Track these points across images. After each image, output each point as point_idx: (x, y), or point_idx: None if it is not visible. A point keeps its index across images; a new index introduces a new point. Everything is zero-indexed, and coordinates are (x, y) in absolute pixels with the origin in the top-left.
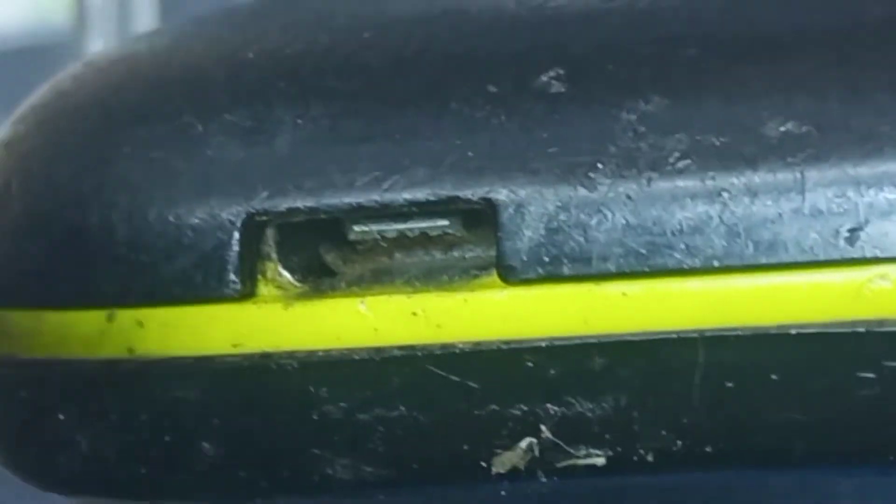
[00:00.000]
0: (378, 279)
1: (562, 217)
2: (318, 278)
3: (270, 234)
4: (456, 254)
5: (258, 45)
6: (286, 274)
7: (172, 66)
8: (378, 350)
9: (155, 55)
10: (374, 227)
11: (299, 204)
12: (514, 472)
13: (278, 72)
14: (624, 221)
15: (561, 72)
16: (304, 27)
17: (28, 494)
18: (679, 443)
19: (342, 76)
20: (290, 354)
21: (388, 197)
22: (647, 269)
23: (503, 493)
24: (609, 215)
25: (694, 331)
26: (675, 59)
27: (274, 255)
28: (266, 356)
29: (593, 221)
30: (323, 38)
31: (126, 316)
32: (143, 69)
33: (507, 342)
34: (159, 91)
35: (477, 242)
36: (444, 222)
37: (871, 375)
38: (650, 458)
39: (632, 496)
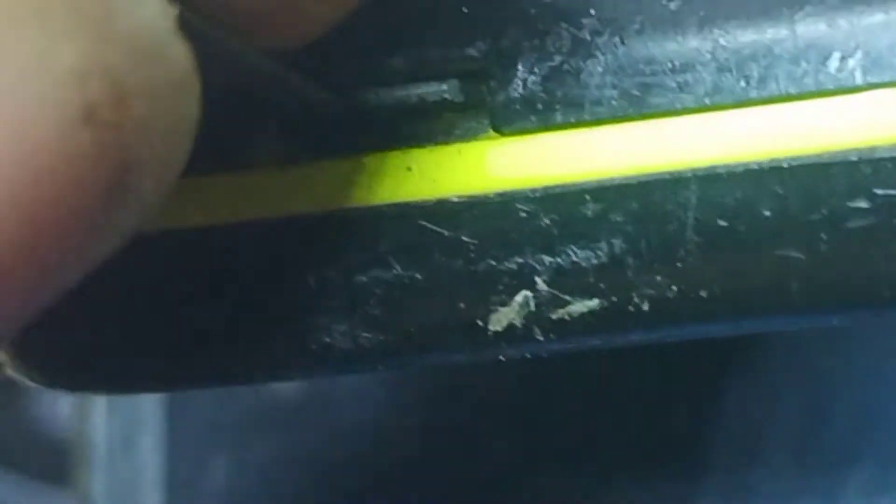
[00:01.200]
0: (374, 143)
1: (553, 64)
2: (317, 147)
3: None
4: (456, 119)
5: None
6: (285, 142)
7: None
8: (372, 208)
9: None
10: (373, 95)
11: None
12: (510, 331)
13: None
14: (616, 64)
15: None
16: None
17: (29, 490)
18: (674, 288)
19: None
20: (287, 217)
21: (383, 59)
22: (639, 111)
23: (501, 357)
24: (601, 59)
25: (687, 170)
26: None
27: (272, 123)
28: (262, 221)
29: (585, 66)
30: None
31: None
32: None
33: (501, 194)
34: None
35: (477, 108)
36: (442, 86)
37: (863, 205)
38: (646, 306)
39: None
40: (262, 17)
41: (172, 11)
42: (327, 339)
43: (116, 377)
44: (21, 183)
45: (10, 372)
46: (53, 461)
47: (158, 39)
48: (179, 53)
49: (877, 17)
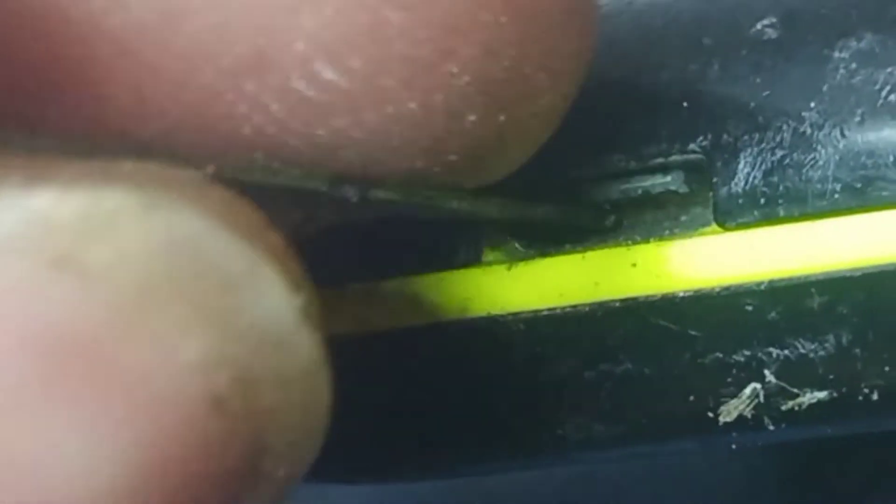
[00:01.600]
0: (601, 238)
1: (776, 158)
2: (544, 244)
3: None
4: (679, 211)
5: None
6: (512, 241)
7: None
8: (600, 304)
9: None
10: (598, 189)
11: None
12: (741, 421)
13: None
14: (838, 158)
15: (774, 20)
16: None
17: None
18: None
19: None
20: (516, 315)
21: (608, 154)
22: (861, 204)
23: (733, 446)
24: (822, 152)
25: None
26: None
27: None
28: (493, 318)
29: (806, 160)
30: None
31: (357, 290)
32: None
33: (726, 288)
34: None
35: (700, 200)
36: (666, 179)
37: None
38: (875, 396)
39: None
40: (452, 177)
41: (297, 301)
42: (560, 432)
43: (377, 470)
44: (154, 469)
45: None
46: None
47: (284, 330)
48: (306, 341)
49: None
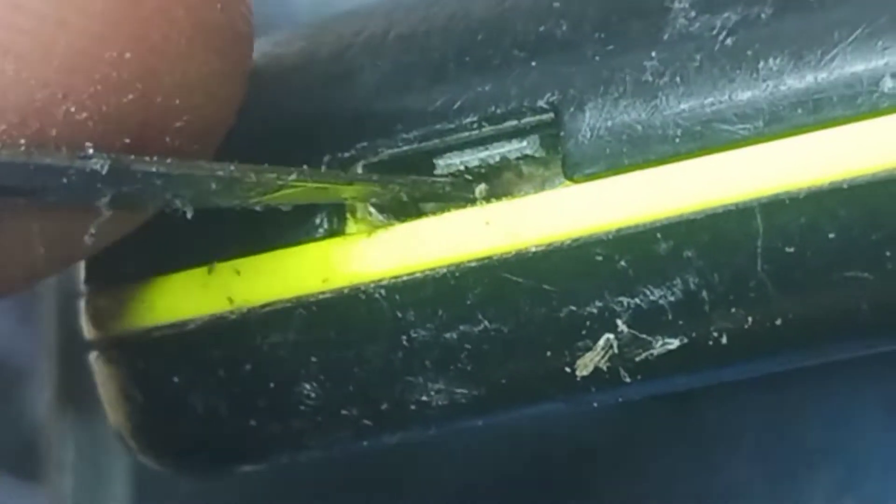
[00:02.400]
0: (459, 205)
1: (620, 109)
2: (407, 216)
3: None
4: (531, 172)
5: (340, 28)
6: (374, 212)
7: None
8: (457, 265)
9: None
10: (457, 159)
11: (383, 140)
12: (597, 375)
13: (357, 32)
14: (678, 103)
15: None
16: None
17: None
18: (750, 319)
19: (414, 24)
20: (377, 283)
21: (462, 119)
22: (702, 146)
23: (594, 403)
24: (663, 99)
25: (751, 200)
26: None
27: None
28: (354, 287)
29: (649, 109)
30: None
31: (224, 267)
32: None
33: (576, 239)
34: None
35: (550, 159)
36: (522, 144)
37: None
38: (724, 340)
39: None
40: None
41: None
42: (425, 398)
43: (233, 455)
44: None
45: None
46: (26, 458)
47: None
48: None
49: None
